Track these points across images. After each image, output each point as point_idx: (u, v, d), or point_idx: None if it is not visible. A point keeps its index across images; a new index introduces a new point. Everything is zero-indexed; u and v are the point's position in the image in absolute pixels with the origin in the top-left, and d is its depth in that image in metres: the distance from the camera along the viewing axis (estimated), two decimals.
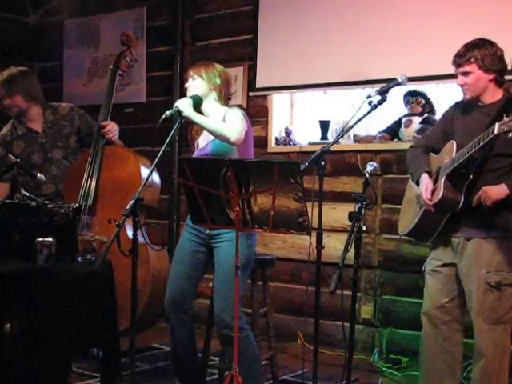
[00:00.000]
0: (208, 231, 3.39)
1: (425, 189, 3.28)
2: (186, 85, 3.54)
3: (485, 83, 3.25)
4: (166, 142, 3.22)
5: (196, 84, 3.49)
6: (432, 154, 3.45)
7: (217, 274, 3.39)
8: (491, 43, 3.25)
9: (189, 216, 3.36)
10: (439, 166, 3.31)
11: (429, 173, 3.35)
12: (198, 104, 3.40)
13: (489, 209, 3.16)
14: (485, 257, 3.20)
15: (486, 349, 3.21)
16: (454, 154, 3.20)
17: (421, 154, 3.47)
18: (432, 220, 3.33)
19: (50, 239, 2.88)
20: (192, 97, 3.41)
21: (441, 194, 3.19)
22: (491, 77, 3.25)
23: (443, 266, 3.35)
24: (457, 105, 3.47)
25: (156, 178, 4.26)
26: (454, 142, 3.24)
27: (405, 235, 3.54)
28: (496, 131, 2.95)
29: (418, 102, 4.81)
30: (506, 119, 2.93)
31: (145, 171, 4.16)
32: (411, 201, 3.53)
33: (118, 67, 4.44)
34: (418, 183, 3.37)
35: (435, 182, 3.30)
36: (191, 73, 3.52)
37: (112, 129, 4.25)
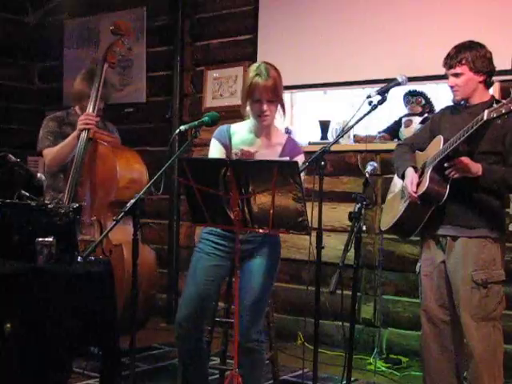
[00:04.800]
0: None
1: (410, 181, 3.31)
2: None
3: (475, 85, 3.28)
4: (177, 153, 3.17)
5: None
6: (418, 152, 3.49)
7: (249, 286, 3.15)
8: (481, 45, 3.28)
9: (204, 229, 3.27)
10: (425, 161, 3.34)
11: (414, 168, 3.37)
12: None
13: (472, 204, 3.22)
14: (471, 256, 3.24)
15: (475, 346, 3.23)
16: (441, 148, 3.22)
17: (407, 151, 3.50)
18: (415, 214, 3.35)
19: (50, 239, 2.88)
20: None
21: (426, 186, 3.22)
22: (481, 78, 3.28)
23: (436, 266, 3.37)
24: (446, 108, 3.52)
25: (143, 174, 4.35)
26: (441, 137, 3.27)
27: (387, 230, 3.56)
28: (485, 117, 2.97)
29: (418, 101, 4.82)
30: (495, 105, 2.96)
31: (124, 169, 4.21)
32: (395, 197, 3.56)
33: (106, 59, 4.36)
34: (403, 178, 3.39)
35: (420, 176, 3.33)
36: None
37: (83, 118, 4.20)
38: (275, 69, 3.20)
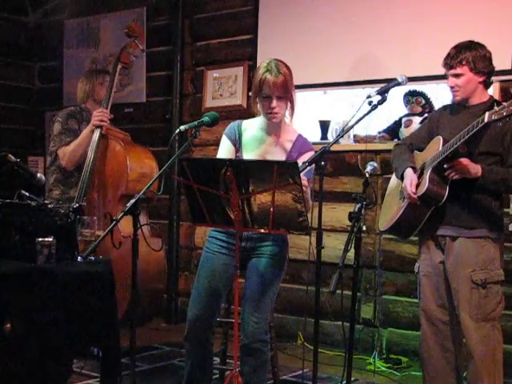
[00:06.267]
0: (243, 244, 3.14)
1: (409, 182, 3.30)
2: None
3: (475, 85, 3.28)
4: (177, 153, 3.16)
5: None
6: (416, 152, 3.48)
7: (255, 286, 3.15)
8: (481, 45, 3.28)
9: (211, 228, 3.25)
10: (424, 161, 3.34)
11: (413, 168, 3.37)
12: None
13: (472, 204, 3.22)
14: (470, 256, 3.24)
15: (475, 347, 3.23)
16: (440, 148, 3.22)
17: (405, 151, 3.50)
18: (414, 215, 3.35)
19: (50, 239, 2.88)
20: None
21: (426, 187, 3.21)
22: (481, 79, 3.28)
23: (435, 266, 3.36)
24: (444, 107, 3.52)
25: (154, 170, 4.41)
26: (441, 137, 3.27)
27: (385, 231, 3.55)
28: (486, 120, 2.97)
29: (418, 101, 4.81)
30: (496, 108, 2.95)
31: (134, 163, 4.27)
32: (393, 197, 3.55)
33: (119, 60, 4.50)
34: (402, 178, 3.39)
35: (419, 177, 3.33)
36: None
37: (98, 115, 4.30)
38: (286, 66, 3.17)
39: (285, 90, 3.12)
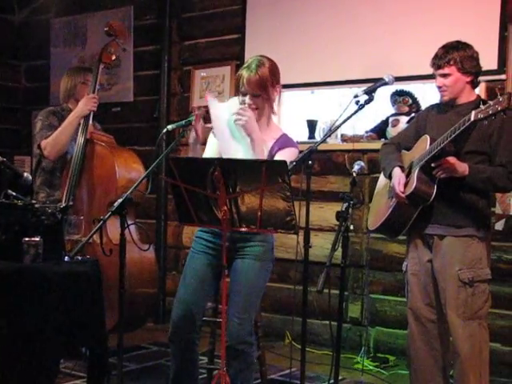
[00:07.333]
0: (227, 244, 2.96)
1: (397, 181, 3.31)
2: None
3: (462, 85, 3.30)
4: (166, 151, 3.13)
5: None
6: (404, 151, 3.49)
7: (239, 287, 3.12)
8: (468, 45, 3.30)
9: (198, 228, 3.22)
10: (411, 161, 3.35)
11: (401, 167, 3.38)
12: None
13: (459, 203, 3.23)
14: (457, 255, 3.25)
15: (461, 345, 3.24)
16: (427, 147, 3.23)
17: (393, 151, 3.51)
18: (403, 214, 3.36)
19: (37, 239, 2.87)
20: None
21: (413, 186, 3.22)
22: (469, 79, 3.30)
23: (423, 265, 3.38)
24: (431, 107, 3.53)
25: (141, 174, 4.33)
26: (428, 136, 3.28)
27: (374, 230, 3.56)
28: (472, 118, 2.98)
29: (404, 101, 4.83)
30: (482, 107, 2.97)
31: (123, 168, 4.22)
32: (382, 197, 3.57)
33: (101, 60, 4.43)
34: (390, 178, 3.40)
35: (407, 176, 3.34)
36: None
37: (87, 100, 4.25)
38: (270, 63, 3.15)
39: (260, 88, 3.10)
